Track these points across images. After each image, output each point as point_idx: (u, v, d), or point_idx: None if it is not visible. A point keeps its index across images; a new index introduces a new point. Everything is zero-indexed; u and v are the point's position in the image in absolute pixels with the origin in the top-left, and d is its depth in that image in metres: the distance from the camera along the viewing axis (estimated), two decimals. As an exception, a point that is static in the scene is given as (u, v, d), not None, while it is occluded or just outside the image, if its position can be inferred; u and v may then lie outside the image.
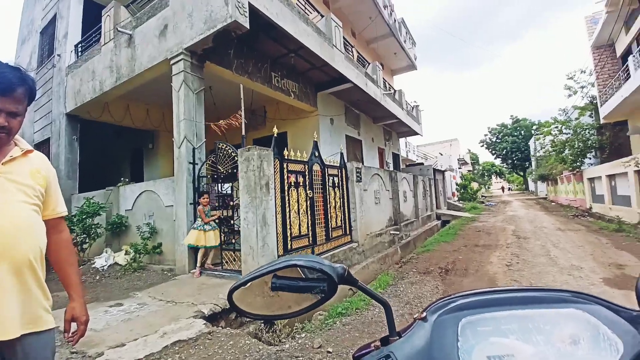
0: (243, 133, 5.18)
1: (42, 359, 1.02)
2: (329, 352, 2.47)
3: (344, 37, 8.11)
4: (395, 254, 6.99)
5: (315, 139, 5.75)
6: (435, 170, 15.53)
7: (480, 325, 0.48)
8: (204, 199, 4.70)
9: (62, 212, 1.18)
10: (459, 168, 35.84)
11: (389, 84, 12.00)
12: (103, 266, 5.32)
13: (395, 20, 14.28)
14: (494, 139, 42.21)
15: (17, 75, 0.98)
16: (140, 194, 5.96)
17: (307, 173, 5.20)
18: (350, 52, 8.80)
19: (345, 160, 6.65)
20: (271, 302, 0.55)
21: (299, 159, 5.07)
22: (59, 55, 8.13)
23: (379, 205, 7.88)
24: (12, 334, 0.92)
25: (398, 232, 8.12)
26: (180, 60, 5.27)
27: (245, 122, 5.68)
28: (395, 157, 15.08)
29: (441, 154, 31.82)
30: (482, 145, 43.99)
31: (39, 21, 9.41)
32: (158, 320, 3.07)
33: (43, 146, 8.47)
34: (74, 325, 1.15)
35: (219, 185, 5.02)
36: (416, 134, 15.55)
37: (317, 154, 5.60)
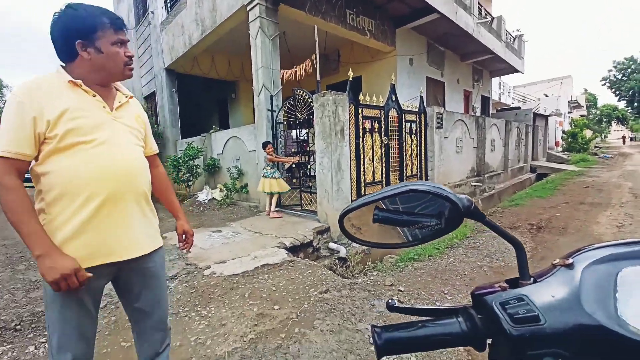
0: (318, 78, 5.12)
1: (162, 268, 1.28)
2: (400, 290, 2.58)
3: (431, -46, 6.84)
4: (475, 207, 6.52)
5: (393, 82, 5.35)
6: (535, 115, 13.18)
7: None
8: (268, 148, 4.84)
9: (157, 150, 1.38)
10: (570, 112, 29.61)
11: (485, 10, 9.97)
12: (204, 200, 6.32)
13: None
14: (619, 76, 32.88)
15: None
16: (228, 140, 6.63)
17: (382, 119, 4.98)
18: (438, -27, 7.44)
19: (425, 105, 6.11)
20: (381, 230, 0.56)
21: (374, 103, 4.84)
22: (152, 12, 8.91)
23: (460, 154, 7.22)
24: (148, 249, 1.15)
25: (480, 184, 7.44)
26: (255, 5, 5.25)
27: (318, 67, 5.57)
28: (485, 100, 13.15)
29: (546, 96, 26.55)
30: (604, 84, 34.83)
31: (130, -22, 10.23)
32: (249, 246, 3.60)
33: (151, 99, 9.88)
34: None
35: (297, 131, 5.21)
36: (516, 71, 13.00)
37: (394, 98, 5.25)
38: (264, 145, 4.92)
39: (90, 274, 0.99)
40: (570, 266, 0.44)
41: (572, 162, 14.05)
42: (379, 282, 2.73)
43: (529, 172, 11.38)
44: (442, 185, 0.46)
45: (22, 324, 2.23)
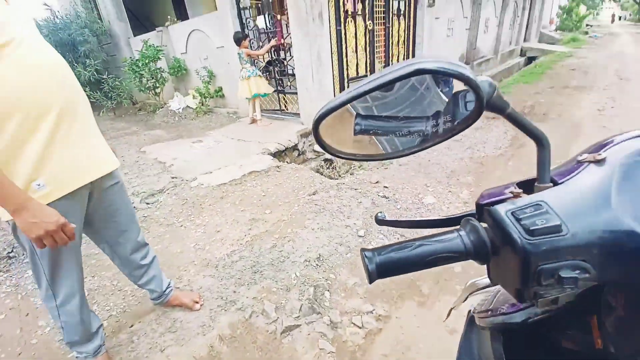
0: (286, -58, 4.06)
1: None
2: (385, 187, 2.69)
3: None
4: (460, 97, 6.37)
5: (380, -56, 4.34)
6: (536, -15, 11.65)
7: None
8: (243, 44, 4.10)
9: None
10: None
11: None
12: (178, 109, 5.87)
13: None
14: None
15: None
16: (189, 34, 5.70)
17: (367, -3, 4.24)
18: None
19: (417, -24, 5.18)
20: (364, 138, 0.43)
21: (357, -23, 4.04)
22: None
23: (450, 39, 6.61)
24: (115, 165, 1.10)
25: (468, 72, 7.09)
26: None
27: None
28: (484, -32, 11.31)
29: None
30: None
31: None
32: (233, 154, 3.53)
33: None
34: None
35: (266, 17, 4.43)
36: None
37: (380, -32, 4.36)
38: (238, 39, 4.11)
39: (74, 225, 0.92)
40: (601, 162, 0.36)
41: (563, 42, 13.32)
42: (365, 180, 2.82)
43: (518, 56, 10.82)
44: (458, 62, 0.32)
45: (14, 250, 2.22)
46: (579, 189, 0.34)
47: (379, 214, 0.48)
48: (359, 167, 3.45)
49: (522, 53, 11.06)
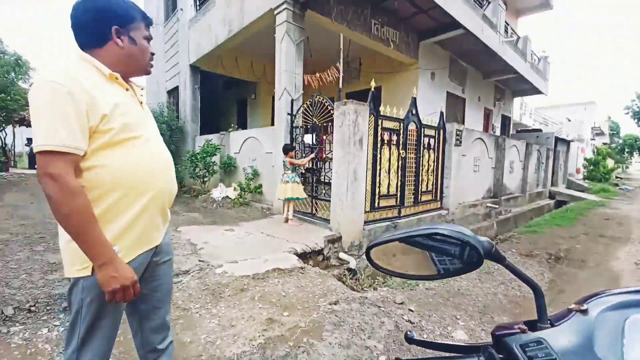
0: (340, 86, 5.15)
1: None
2: (410, 310, 2.54)
3: (462, -29, 6.83)
4: (490, 229, 6.38)
5: (414, 96, 5.32)
6: (557, 139, 12.87)
7: None
8: (290, 155, 4.71)
9: None
10: (592, 139, 28.83)
11: (512, 29, 9.86)
12: (218, 197, 6.40)
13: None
14: (643, 107, 31.57)
15: None
16: (245, 140, 6.71)
17: (401, 131, 4.95)
18: (467, -11, 7.41)
19: (445, 121, 6.05)
20: (405, 262, 0.57)
21: (394, 115, 4.83)
22: (181, 9, 9.14)
23: (478, 174, 7.11)
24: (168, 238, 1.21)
25: (496, 206, 7.29)
26: (283, 9, 5.34)
27: (341, 75, 5.60)
28: (505, 120, 12.94)
29: (569, 120, 25.95)
30: (627, 113, 33.74)
31: (161, -26, 10.49)
32: (260, 248, 3.61)
33: (173, 93, 10.11)
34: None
35: (312, 136, 5.21)
36: (539, 92, 12.77)
37: (414, 111, 5.22)
38: (286, 149, 4.77)
39: (138, 286, 0.99)
40: (585, 312, 0.47)
41: (592, 191, 13.62)
42: (389, 299, 2.69)
43: (547, 197, 11.09)
44: (465, 230, 0.50)
45: (37, 305, 2.24)
46: (570, 332, 0.46)
47: (409, 332, 0.58)
48: (383, 284, 3.34)
49: (552, 196, 11.33)
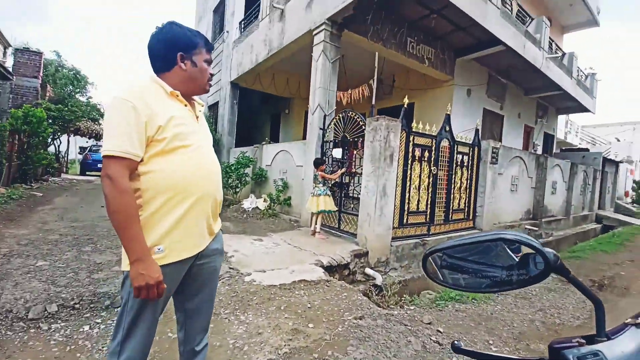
0: (373, 102, 5.23)
1: (220, 267, 1.39)
2: (439, 331, 2.46)
3: (501, -12, 6.74)
4: (527, 253, 5.97)
5: (448, 112, 5.26)
6: (605, 159, 11.90)
7: None
8: (321, 168, 4.80)
9: None
10: (645, 161, 26.17)
11: (556, 45, 9.43)
12: (249, 208, 6.63)
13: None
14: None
15: None
16: (277, 153, 6.96)
17: (433, 148, 4.89)
18: (508, 6, 7.26)
19: (480, 138, 5.87)
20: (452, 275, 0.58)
21: (427, 132, 4.79)
22: (227, 31, 9.86)
23: (515, 194, 6.75)
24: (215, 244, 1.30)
25: (536, 229, 6.84)
26: (322, 30, 5.58)
27: (374, 92, 5.68)
28: (548, 138, 12.20)
29: (618, 140, 23.87)
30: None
31: (212, 0, 11.43)
32: (287, 259, 3.69)
33: (214, 108, 10.79)
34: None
35: (343, 150, 5.29)
36: (586, 110, 11.94)
37: (447, 128, 5.15)
38: (317, 163, 4.86)
39: (164, 285, 1.06)
40: (639, 325, 0.48)
41: (646, 216, 12.32)
42: (416, 318, 2.63)
43: (594, 221, 10.20)
44: (528, 237, 0.49)
45: (81, 303, 2.32)
46: (625, 344, 0.47)
47: (456, 342, 0.59)
48: (410, 302, 3.26)
49: (598, 220, 10.42)
